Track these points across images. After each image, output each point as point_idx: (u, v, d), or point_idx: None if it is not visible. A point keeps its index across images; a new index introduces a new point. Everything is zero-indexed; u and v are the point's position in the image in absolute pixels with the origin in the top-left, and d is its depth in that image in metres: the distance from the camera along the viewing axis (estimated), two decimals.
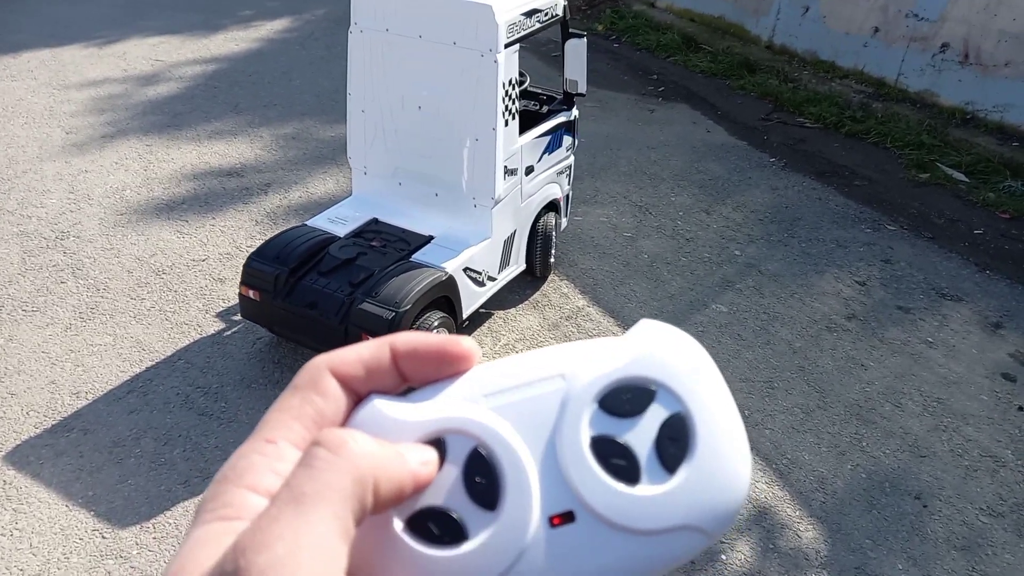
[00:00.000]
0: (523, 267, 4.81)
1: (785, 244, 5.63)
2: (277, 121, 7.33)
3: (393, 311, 3.70)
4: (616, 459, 0.37)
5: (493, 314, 4.74)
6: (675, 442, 0.38)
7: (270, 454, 0.35)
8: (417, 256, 4.11)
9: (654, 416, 0.38)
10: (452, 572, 0.36)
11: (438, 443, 0.37)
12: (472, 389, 0.39)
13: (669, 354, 0.40)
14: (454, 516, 0.37)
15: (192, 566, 0.31)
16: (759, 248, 5.57)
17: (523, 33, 4.12)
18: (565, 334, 4.61)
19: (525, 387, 0.39)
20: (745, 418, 3.89)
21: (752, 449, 3.68)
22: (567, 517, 0.36)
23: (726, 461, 0.38)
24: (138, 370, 4.22)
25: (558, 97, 5.00)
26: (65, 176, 6.18)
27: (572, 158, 5.11)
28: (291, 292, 3.96)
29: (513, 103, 4.18)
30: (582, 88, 4.81)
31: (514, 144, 4.30)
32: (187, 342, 4.43)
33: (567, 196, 5.23)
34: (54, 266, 5.05)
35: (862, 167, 6.91)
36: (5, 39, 8.97)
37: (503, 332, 4.62)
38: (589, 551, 0.36)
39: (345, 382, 0.38)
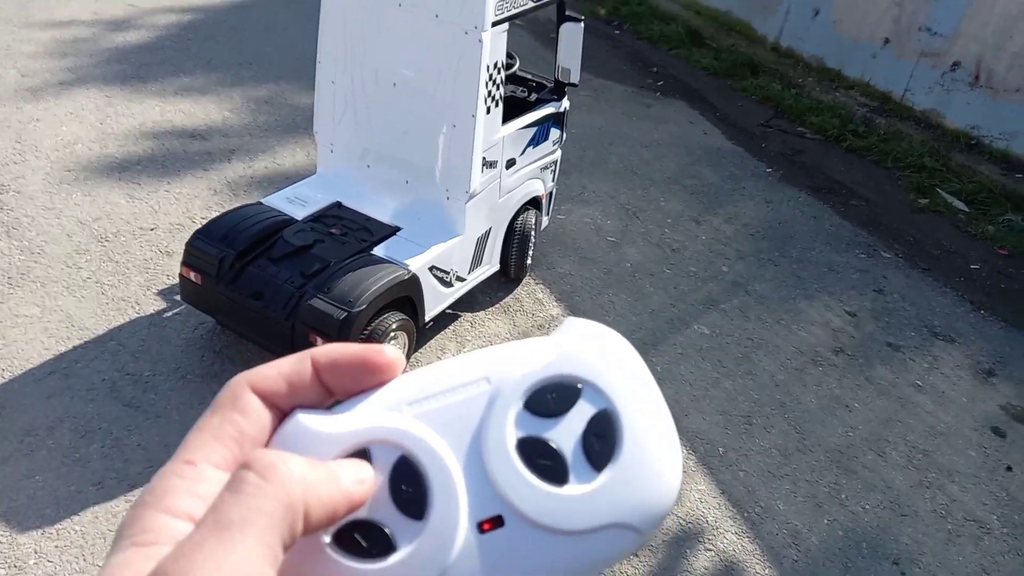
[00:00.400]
0: (497, 267, 4.47)
1: (775, 264, 5.33)
2: (251, 82, 6.88)
3: (346, 311, 3.34)
4: (543, 460, 0.37)
5: (460, 316, 4.40)
6: (601, 439, 0.37)
7: (190, 476, 0.34)
8: (380, 249, 3.75)
9: (580, 414, 0.37)
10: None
11: (363, 454, 0.37)
12: (395, 398, 0.38)
13: (594, 351, 0.39)
14: (381, 528, 0.36)
15: None
16: (748, 266, 5.27)
17: (515, 11, 3.74)
18: None
19: (449, 393, 0.38)
20: (719, 456, 3.59)
21: (723, 493, 3.38)
22: (496, 522, 0.36)
23: (654, 456, 0.37)
24: (64, 348, 3.83)
25: (549, 85, 4.63)
26: (13, 123, 5.71)
27: (559, 153, 4.75)
28: (236, 278, 3.58)
29: (498, 88, 3.81)
30: (575, 78, 4.44)
31: (495, 134, 3.93)
32: (122, 321, 4.04)
33: (551, 193, 4.88)
34: None
35: (861, 186, 6.62)
36: None
37: (469, 337, 4.28)
38: (521, 555, 0.36)
39: (267, 398, 0.38)
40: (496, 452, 0.37)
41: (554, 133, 4.56)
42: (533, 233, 4.65)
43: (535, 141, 4.37)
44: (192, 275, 3.65)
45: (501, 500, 0.36)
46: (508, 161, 4.16)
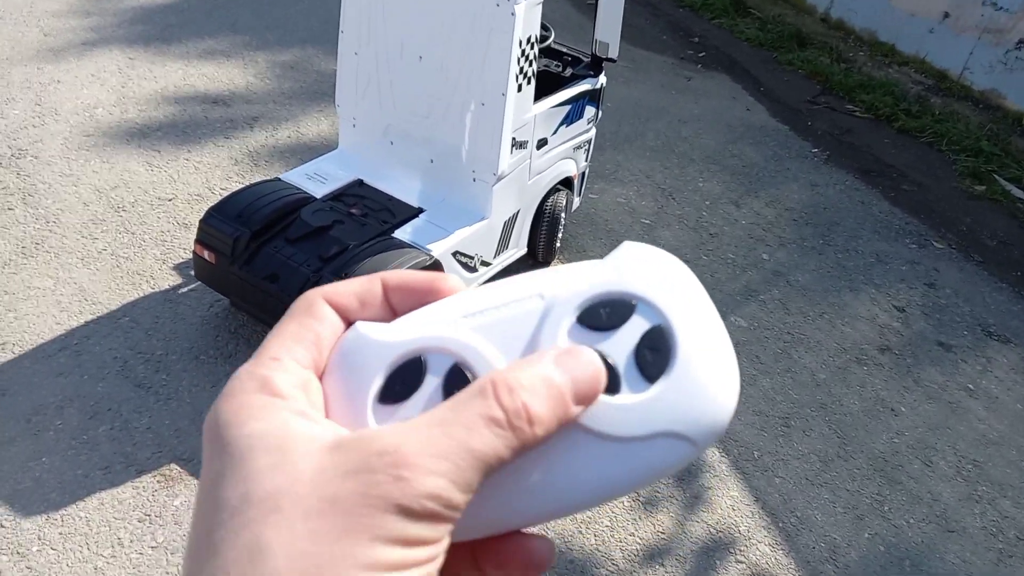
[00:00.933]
0: (524, 251, 4.26)
1: (820, 252, 5.05)
2: (276, 46, 6.66)
3: None
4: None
5: None
6: (655, 352, 0.37)
7: (279, 368, 0.35)
8: (401, 232, 3.56)
9: (634, 328, 0.38)
10: None
11: (419, 362, 0.37)
12: (450, 312, 0.39)
13: (651, 271, 0.39)
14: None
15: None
16: (790, 253, 4.99)
17: None
18: None
19: (503, 307, 0.38)
20: (754, 461, 3.37)
21: (757, 501, 3.17)
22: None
23: (709, 371, 0.37)
24: (76, 324, 3.72)
25: (585, 59, 4.35)
26: (34, 84, 5.58)
27: (593, 131, 4.50)
28: (251, 259, 3.42)
29: (530, 65, 3.56)
30: (613, 52, 4.16)
31: (527, 113, 3.69)
32: (136, 296, 3.92)
33: (583, 173, 4.64)
34: (3, 188, 4.51)
35: (912, 169, 6.26)
36: None
37: None
38: (574, 460, 0.36)
39: (339, 311, 0.39)
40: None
41: (589, 111, 4.30)
42: (563, 215, 4.43)
43: (569, 120, 4.12)
44: (206, 254, 3.49)
45: None
46: (539, 141, 3.92)
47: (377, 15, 3.64)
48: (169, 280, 4.04)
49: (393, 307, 0.40)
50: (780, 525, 3.25)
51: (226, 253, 3.43)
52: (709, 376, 0.37)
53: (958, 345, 4.38)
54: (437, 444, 0.32)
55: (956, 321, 4.57)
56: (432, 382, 0.37)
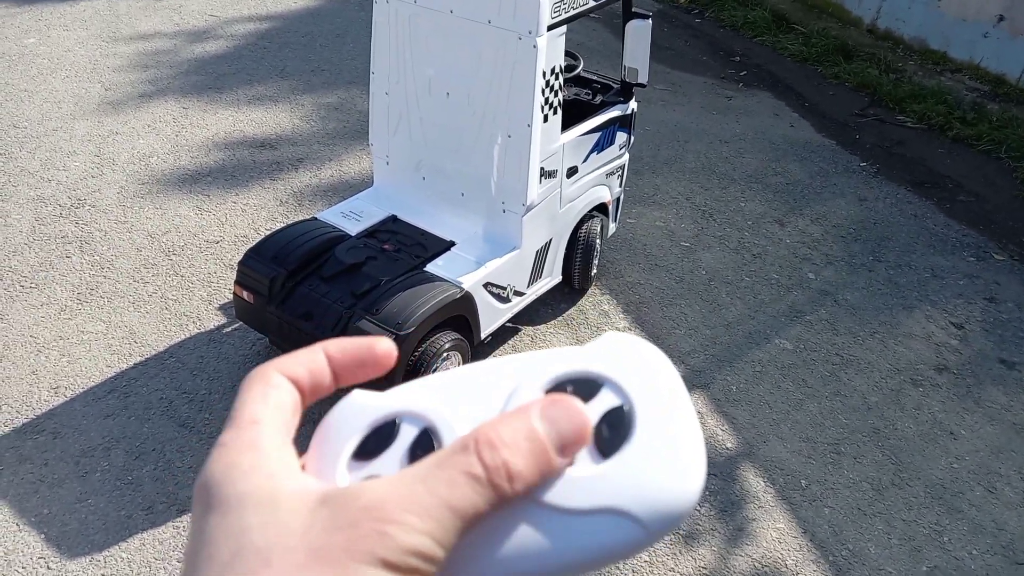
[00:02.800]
0: (559, 279, 4.24)
1: (870, 269, 4.87)
2: (322, 88, 6.87)
3: (394, 332, 3.20)
4: None
5: (520, 330, 4.20)
6: (613, 430, 0.38)
7: (259, 430, 0.38)
8: (433, 265, 3.59)
9: (597, 406, 0.38)
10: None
11: (393, 425, 0.40)
12: (433, 384, 0.42)
13: (624, 358, 0.40)
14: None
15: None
16: (838, 272, 4.83)
17: (573, 12, 3.49)
18: None
19: (478, 380, 0.41)
20: (801, 490, 3.23)
21: (805, 532, 3.03)
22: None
23: (667, 456, 0.37)
24: (125, 365, 3.86)
25: (615, 86, 4.35)
26: (94, 137, 5.88)
27: (626, 156, 4.47)
28: (287, 298, 3.50)
29: (556, 95, 3.57)
30: (643, 78, 4.14)
31: (554, 143, 3.70)
32: (183, 336, 4.05)
33: (618, 199, 4.61)
34: (63, 238, 4.75)
35: (969, 179, 6.01)
36: None
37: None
38: (518, 528, 0.36)
39: (291, 380, 0.41)
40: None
41: (620, 137, 4.28)
42: (599, 241, 4.40)
43: (599, 147, 4.11)
44: (244, 294, 3.59)
45: None
46: (569, 169, 3.92)
47: (405, 55, 3.72)
48: (214, 320, 4.16)
49: (336, 372, 0.42)
50: (831, 559, 3.10)
51: (263, 293, 3.52)
52: (666, 460, 0.37)
53: (1021, 363, 4.15)
54: (420, 500, 0.33)
55: (1019, 336, 4.33)
56: (401, 443, 0.39)
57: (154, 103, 6.45)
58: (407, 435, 0.40)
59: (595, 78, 4.45)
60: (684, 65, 7.86)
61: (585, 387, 0.39)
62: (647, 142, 6.22)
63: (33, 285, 4.35)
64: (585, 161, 4.04)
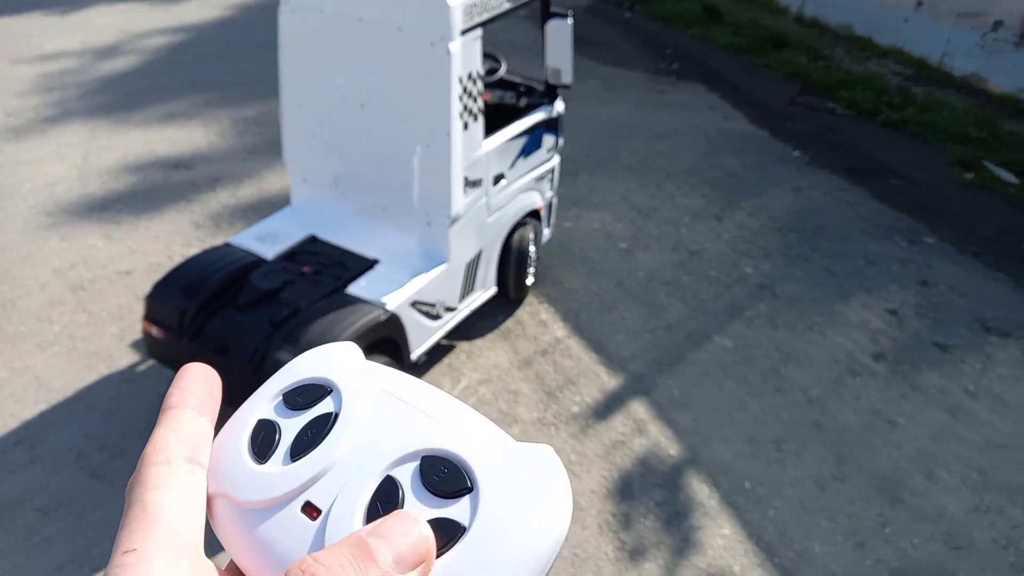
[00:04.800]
0: (494, 290, 4.10)
1: (806, 259, 4.85)
2: (239, 101, 6.60)
3: None
4: (382, 507, 0.37)
5: (455, 347, 4.04)
6: (448, 535, 0.37)
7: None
8: (355, 286, 3.40)
9: (446, 508, 0.37)
10: (233, 475, 0.40)
11: (327, 390, 0.43)
12: (380, 380, 0.43)
13: (519, 480, 0.38)
14: (276, 441, 0.41)
15: None
16: (775, 264, 4.80)
17: (488, 16, 3.35)
18: (538, 373, 3.91)
19: (407, 405, 0.41)
20: (745, 493, 3.12)
21: (751, 536, 2.91)
22: (317, 514, 0.38)
23: (501, 549, 0.36)
24: (31, 414, 3.58)
25: (540, 88, 4.22)
26: None
27: (556, 159, 4.35)
28: (200, 332, 3.27)
29: (475, 101, 3.42)
30: (567, 79, 4.02)
31: (477, 150, 3.55)
32: (93, 378, 3.78)
33: (550, 204, 4.48)
34: None
35: (899, 164, 6.07)
36: None
37: (465, 370, 3.92)
38: (299, 552, 0.37)
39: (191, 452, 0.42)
40: (366, 475, 0.39)
41: (548, 140, 4.16)
42: (533, 249, 4.27)
43: (526, 151, 3.97)
44: (154, 330, 3.35)
45: (329, 509, 0.38)
46: (495, 177, 3.78)
47: (315, 66, 3.52)
48: (126, 358, 3.90)
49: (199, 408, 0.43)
50: (776, 561, 3.03)
51: (173, 328, 3.28)
52: (501, 551, 0.36)
53: (956, 344, 4.16)
54: None
55: (952, 319, 4.35)
56: (312, 413, 0.42)
57: (60, 127, 6.11)
58: (318, 409, 0.42)
59: (520, 80, 4.32)
60: (616, 60, 7.80)
61: (453, 480, 0.38)
62: (581, 141, 6.12)
63: None
64: (512, 167, 3.90)
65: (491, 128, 3.80)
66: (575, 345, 4.12)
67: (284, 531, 0.38)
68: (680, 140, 6.31)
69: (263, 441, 0.41)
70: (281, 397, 0.43)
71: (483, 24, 3.31)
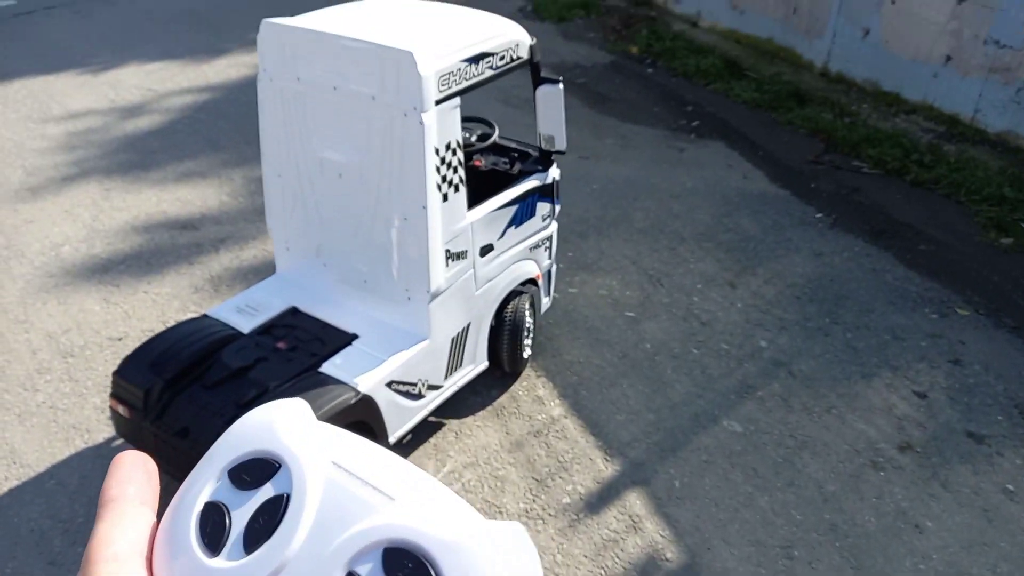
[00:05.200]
0: (484, 365, 3.89)
1: (826, 333, 4.54)
2: (254, 160, 6.57)
3: None
4: None
5: (444, 425, 3.82)
6: None
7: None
8: (329, 365, 3.23)
9: None
10: (185, 571, 0.39)
11: (275, 466, 0.41)
12: (336, 451, 0.41)
13: (489, 567, 0.37)
14: (227, 528, 0.40)
15: None
16: (792, 338, 4.50)
17: (466, 84, 3.21)
18: (529, 458, 3.66)
19: (361, 484, 0.40)
20: None
21: None
22: None
23: None
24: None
25: (535, 153, 4.06)
26: (7, 227, 5.56)
27: (553, 227, 4.16)
28: (164, 412, 3.12)
29: (456, 171, 3.27)
30: (560, 144, 3.86)
31: (460, 222, 3.38)
32: (68, 453, 3.65)
33: (549, 272, 4.28)
34: None
35: (929, 226, 5.73)
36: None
37: (452, 451, 3.69)
38: None
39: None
40: (325, 567, 0.38)
41: (543, 207, 3.98)
42: (529, 320, 4.06)
43: (517, 220, 3.80)
44: (120, 408, 3.21)
45: None
46: (483, 248, 3.60)
47: (293, 135, 3.42)
48: (104, 432, 3.77)
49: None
50: None
51: (138, 407, 3.14)
52: None
53: (992, 435, 3.79)
54: None
55: (988, 404, 3.98)
56: (263, 492, 0.41)
57: (75, 186, 6.15)
58: (269, 490, 0.41)
59: (515, 145, 4.17)
60: (635, 117, 7.66)
61: (420, 572, 0.37)
62: (594, 201, 5.94)
63: None
64: (502, 237, 3.73)
65: (484, 195, 3.65)
66: (572, 425, 3.86)
67: None
68: (696, 201, 6.09)
69: (212, 530, 0.40)
70: (227, 475, 0.41)
71: (461, 93, 3.17)
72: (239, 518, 0.40)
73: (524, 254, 3.95)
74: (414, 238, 3.25)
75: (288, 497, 0.40)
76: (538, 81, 3.72)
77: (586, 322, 4.64)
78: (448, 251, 3.36)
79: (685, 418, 3.91)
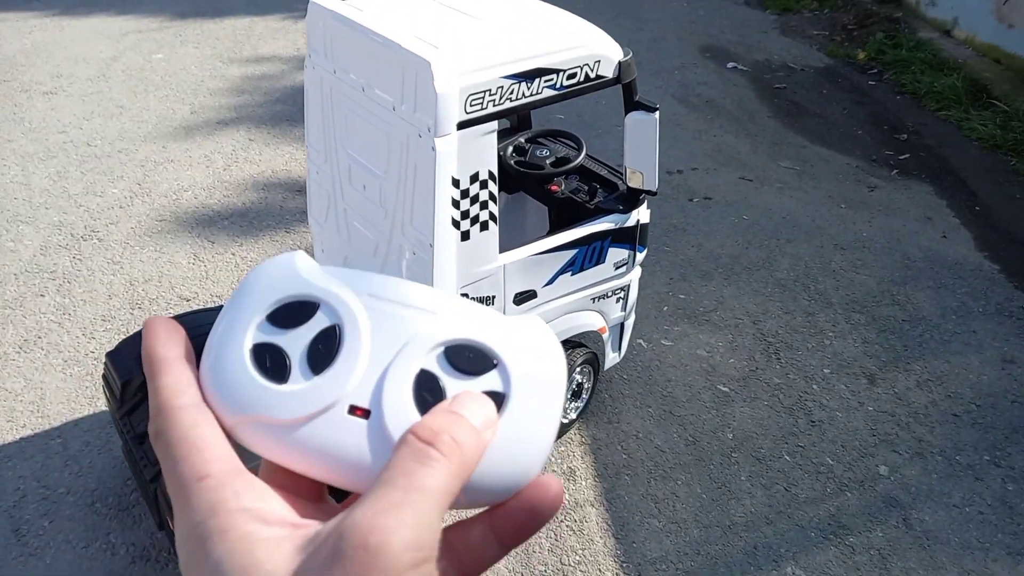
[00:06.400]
0: None
1: (978, 476, 3.43)
2: None
3: None
4: (428, 395, 0.42)
5: None
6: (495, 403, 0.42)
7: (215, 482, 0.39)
8: None
9: (482, 383, 0.43)
10: (259, 399, 0.42)
11: (315, 304, 0.44)
12: (365, 286, 0.45)
13: (530, 348, 0.44)
14: (287, 360, 0.43)
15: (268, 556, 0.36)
16: (927, 471, 3.45)
17: (511, 105, 2.60)
18: (529, 548, 3.07)
19: (401, 306, 0.44)
20: None
21: None
22: (365, 414, 0.42)
23: (521, 440, 0.42)
24: (11, 438, 3.52)
25: (623, 188, 3.34)
26: (148, 163, 5.80)
27: (633, 275, 3.44)
28: (134, 409, 2.93)
29: (485, 207, 2.70)
30: (650, 184, 3.11)
31: (486, 264, 2.82)
32: (87, 412, 3.65)
33: (622, 325, 3.58)
34: (52, 272, 4.59)
35: None
36: (215, 4, 9.06)
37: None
38: (364, 446, 0.41)
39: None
40: (401, 370, 0.42)
41: (617, 254, 3.28)
42: (582, 378, 3.43)
43: (575, 266, 3.15)
44: (105, 391, 3.08)
45: (379, 404, 0.42)
46: (519, 295, 3.01)
47: (329, 131, 3.03)
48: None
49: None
50: None
51: (116, 396, 2.98)
52: (521, 442, 0.42)
53: None
54: (409, 529, 0.36)
55: None
56: (310, 330, 0.43)
57: (224, 131, 6.31)
58: (317, 324, 0.43)
59: (605, 172, 3.47)
60: (829, 138, 6.47)
61: (480, 360, 0.43)
62: (736, 235, 5.05)
63: None
64: (550, 284, 3.11)
65: (559, 225, 3.08)
66: (595, 518, 3.21)
67: (341, 433, 0.41)
68: (866, 257, 4.96)
69: (272, 364, 0.42)
70: (266, 321, 0.44)
71: (497, 116, 2.57)
72: (295, 351, 0.43)
73: (584, 304, 3.30)
74: (422, 276, 2.74)
75: (339, 327, 0.43)
76: (630, 106, 2.99)
77: (665, 387, 3.89)
78: (466, 295, 2.82)
79: (739, 549, 3.10)
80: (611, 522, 3.20)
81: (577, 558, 3.05)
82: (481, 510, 0.43)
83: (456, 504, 0.41)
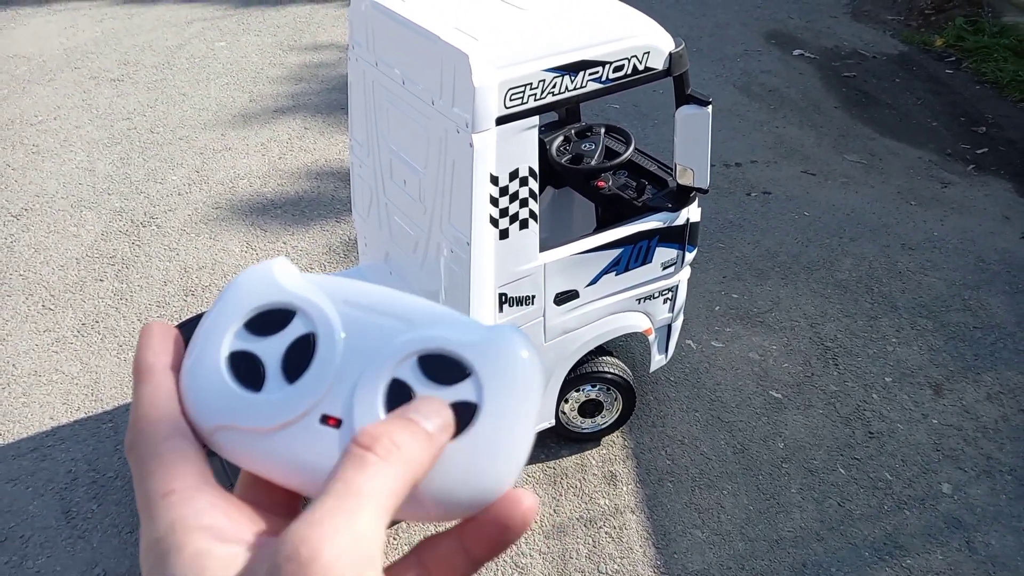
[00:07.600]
0: (548, 423, 3.27)
1: None
2: None
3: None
4: (399, 403, 0.42)
5: None
6: (457, 417, 0.42)
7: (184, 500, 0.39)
8: None
9: (454, 393, 0.42)
10: (233, 408, 0.42)
11: (291, 312, 0.44)
12: (342, 293, 0.45)
13: (506, 357, 0.43)
14: (262, 368, 0.43)
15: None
16: (995, 491, 3.24)
17: (553, 99, 2.51)
18: (565, 552, 3.00)
19: (377, 314, 0.44)
20: None
21: None
22: (336, 423, 0.42)
23: (492, 453, 0.41)
24: (65, 420, 3.62)
25: (673, 185, 3.20)
26: (207, 151, 5.91)
27: (682, 275, 3.31)
28: None
29: (525, 204, 2.62)
30: (702, 182, 2.97)
31: (526, 263, 2.75)
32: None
33: (669, 326, 3.46)
34: (111, 257, 4.72)
35: None
36: None
37: None
38: (335, 456, 0.39)
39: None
40: (373, 378, 0.42)
41: (665, 254, 3.15)
42: (603, 397, 3.33)
43: (620, 266, 3.04)
44: None
45: (350, 413, 0.41)
46: (559, 295, 2.93)
47: (371, 126, 2.99)
48: None
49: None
50: None
51: None
52: (481, 467, 0.41)
53: None
54: (344, 536, 0.35)
55: None
56: (285, 337, 0.43)
57: (281, 120, 6.37)
58: (293, 332, 0.43)
59: (656, 168, 3.34)
60: (900, 131, 6.14)
61: (454, 369, 0.42)
62: (796, 233, 4.84)
63: (51, 307, 4.32)
64: (593, 284, 3.01)
65: (607, 221, 2.99)
66: (635, 525, 3.12)
67: (312, 443, 0.41)
68: (937, 258, 4.69)
69: (247, 372, 0.43)
70: (243, 328, 0.44)
71: (539, 111, 2.48)
72: (271, 359, 0.43)
73: (629, 305, 3.19)
74: (457, 275, 2.69)
75: (314, 335, 0.43)
76: (681, 100, 2.86)
77: (714, 391, 3.75)
78: (504, 295, 2.75)
79: (786, 565, 2.97)
80: (652, 531, 3.10)
81: (616, 566, 2.96)
82: (453, 523, 0.43)
83: (424, 517, 0.41)
